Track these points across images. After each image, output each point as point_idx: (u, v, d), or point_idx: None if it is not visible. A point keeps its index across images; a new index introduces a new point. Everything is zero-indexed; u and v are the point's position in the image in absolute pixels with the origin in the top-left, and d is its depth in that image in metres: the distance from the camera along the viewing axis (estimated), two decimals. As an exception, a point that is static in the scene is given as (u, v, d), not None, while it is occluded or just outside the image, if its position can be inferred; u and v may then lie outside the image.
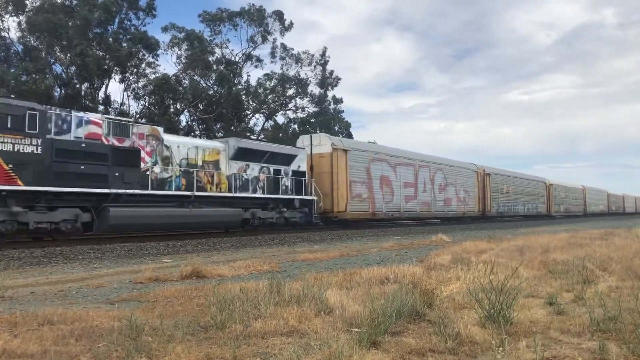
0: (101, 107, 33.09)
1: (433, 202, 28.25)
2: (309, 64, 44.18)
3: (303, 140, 22.20)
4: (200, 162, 15.70)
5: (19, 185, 10.94)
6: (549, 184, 46.87)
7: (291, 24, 42.73)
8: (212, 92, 39.58)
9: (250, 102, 42.51)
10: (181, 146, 15.34)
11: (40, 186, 11.26)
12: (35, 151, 11.25)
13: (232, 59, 42.18)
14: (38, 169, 11.28)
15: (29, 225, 11.29)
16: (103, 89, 34.81)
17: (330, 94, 46.00)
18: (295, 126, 43.84)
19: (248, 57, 42.71)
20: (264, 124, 44.74)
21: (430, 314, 4.02)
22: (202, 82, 39.72)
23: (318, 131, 38.37)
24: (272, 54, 43.05)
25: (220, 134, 35.87)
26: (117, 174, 12.89)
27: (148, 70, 36.63)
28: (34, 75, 29.32)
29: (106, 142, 12.84)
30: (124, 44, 34.15)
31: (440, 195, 29.20)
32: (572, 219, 44.98)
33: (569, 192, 53.62)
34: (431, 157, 30.40)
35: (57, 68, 32.89)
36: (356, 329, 3.52)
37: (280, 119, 45.28)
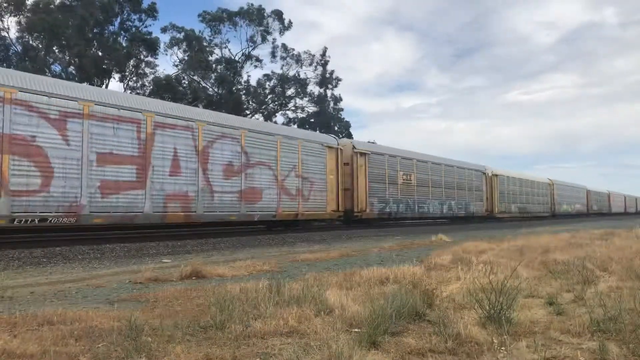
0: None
1: (202, 195, 14.74)
2: (310, 64, 44.27)
3: None
4: None
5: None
6: (492, 175, 34.08)
7: (290, 23, 42.85)
8: (211, 92, 39.59)
9: (250, 102, 42.54)
10: None
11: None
12: None
13: (232, 58, 42.21)
14: None
15: None
16: (103, 88, 34.86)
17: (329, 93, 46.07)
18: (295, 126, 44.01)
19: (248, 57, 42.76)
20: (263, 124, 44.93)
21: (430, 314, 4.02)
22: (201, 82, 39.74)
23: (318, 132, 38.11)
24: (272, 54, 43.17)
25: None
26: None
27: (148, 71, 36.69)
28: (33, 76, 29.35)
29: None
30: (124, 44, 34.19)
31: (230, 183, 15.67)
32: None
33: (527, 187, 40.25)
34: (198, 112, 16.32)
35: (57, 68, 32.93)
36: (356, 329, 3.52)
37: (280, 119, 45.36)
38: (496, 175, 35.03)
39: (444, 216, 28.51)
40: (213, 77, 39.85)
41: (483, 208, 32.97)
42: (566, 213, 49.00)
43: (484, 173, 33.68)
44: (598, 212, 61.59)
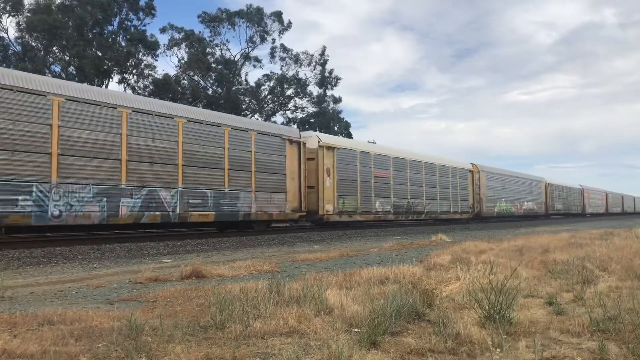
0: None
1: None
2: (309, 64, 44.29)
3: None
4: None
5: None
6: (321, 146, 19.27)
7: (290, 24, 42.86)
8: (210, 92, 39.61)
9: (249, 102, 42.58)
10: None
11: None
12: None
13: (231, 58, 42.24)
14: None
15: None
16: (103, 88, 34.86)
17: (329, 93, 46.09)
18: (295, 126, 44.07)
19: (247, 57, 42.79)
20: (263, 124, 45.00)
21: (430, 314, 4.02)
22: (201, 82, 39.77)
23: (318, 132, 38.03)
24: (272, 54, 43.17)
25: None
26: None
27: (147, 72, 36.70)
28: (33, 76, 29.38)
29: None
30: (124, 44, 34.20)
31: None
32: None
33: (416, 172, 25.30)
34: None
35: (56, 68, 32.93)
36: (356, 329, 3.52)
37: (279, 119, 45.38)
38: (332, 147, 19.53)
39: (131, 217, 12.94)
40: (213, 77, 39.87)
41: (287, 206, 17.50)
42: (507, 214, 35.02)
43: (295, 142, 18.04)
44: (565, 212, 47.72)
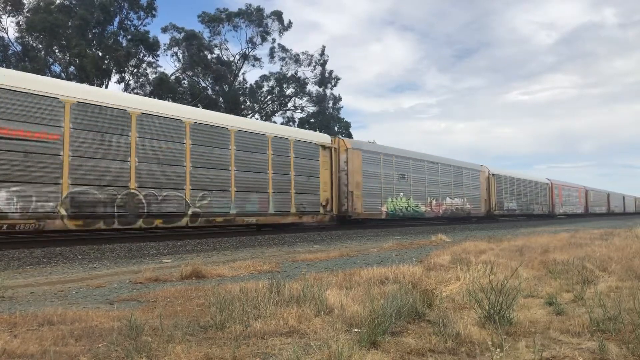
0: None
1: None
2: (309, 64, 44.31)
3: None
4: None
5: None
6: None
7: (290, 23, 42.89)
8: (210, 91, 39.63)
9: (249, 102, 42.62)
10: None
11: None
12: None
13: (230, 59, 42.27)
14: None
15: None
16: (103, 88, 34.86)
17: (328, 92, 46.08)
18: (295, 126, 44.04)
19: (246, 57, 42.81)
20: (263, 124, 45.00)
21: (430, 314, 4.02)
22: (201, 82, 39.82)
23: (318, 131, 38.00)
24: (271, 55, 43.18)
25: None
26: None
27: (149, 70, 36.73)
28: (33, 76, 29.40)
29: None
30: (124, 44, 34.22)
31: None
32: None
33: (212, 145, 14.64)
34: None
35: (56, 68, 32.95)
36: (356, 329, 3.52)
37: (279, 119, 45.40)
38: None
39: None
40: (212, 77, 39.88)
41: None
42: (408, 215, 23.74)
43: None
44: (522, 213, 36.33)
